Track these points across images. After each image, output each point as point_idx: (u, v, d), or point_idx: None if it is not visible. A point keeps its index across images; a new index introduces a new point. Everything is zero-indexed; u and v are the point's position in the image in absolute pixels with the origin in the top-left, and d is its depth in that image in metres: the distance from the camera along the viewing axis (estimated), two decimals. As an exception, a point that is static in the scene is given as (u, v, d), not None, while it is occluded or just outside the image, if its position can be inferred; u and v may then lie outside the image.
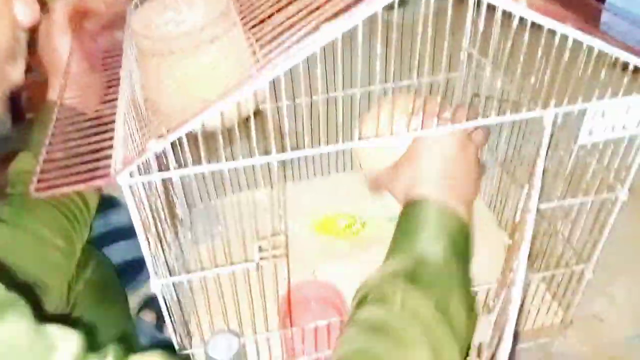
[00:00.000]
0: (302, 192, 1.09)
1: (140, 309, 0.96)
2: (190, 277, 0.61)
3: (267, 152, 0.56)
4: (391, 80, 0.87)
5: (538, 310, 0.84)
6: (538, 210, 0.73)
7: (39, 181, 0.48)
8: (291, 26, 0.51)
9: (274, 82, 0.51)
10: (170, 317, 0.62)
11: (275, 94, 0.59)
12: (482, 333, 0.66)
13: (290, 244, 0.88)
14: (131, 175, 0.49)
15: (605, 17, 0.65)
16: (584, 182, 0.69)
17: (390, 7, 0.48)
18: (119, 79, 0.63)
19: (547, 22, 0.50)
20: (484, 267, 0.80)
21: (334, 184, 1.11)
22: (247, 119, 0.58)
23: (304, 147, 0.56)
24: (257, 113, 0.64)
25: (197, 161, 0.54)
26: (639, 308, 0.99)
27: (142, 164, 0.51)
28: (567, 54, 0.53)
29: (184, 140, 0.52)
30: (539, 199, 0.63)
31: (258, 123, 0.57)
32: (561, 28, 0.50)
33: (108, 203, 1.13)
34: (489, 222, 1.02)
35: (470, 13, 0.86)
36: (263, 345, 0.73)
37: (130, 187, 0.50)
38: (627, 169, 0.66)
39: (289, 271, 0.62)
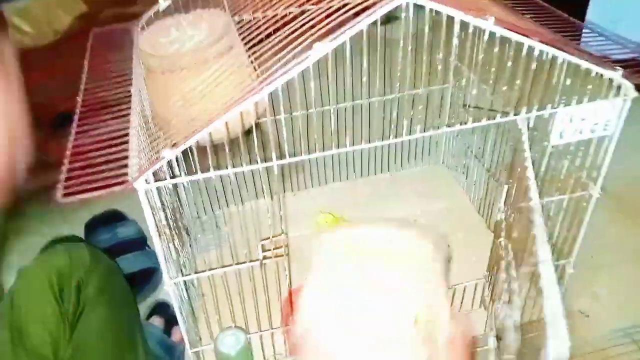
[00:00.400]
0: (300, 201, 1.15)
1: (149, 315, 1.00)
2: (199, 276, 0.66)
3: (267, 161, 0.62)
4: (376, 94, 0.93)
5: (524, 305, 0.89)
6: (518, 208, 0.79)
7: (65, 188, 0.54)
8: (288, 44, 0.57)
9: (272, 97, 0.57)
10: (181, 315, 0.67)
11: (274, 108, 0.65)
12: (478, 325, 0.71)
13: (292, 249, 0.93)
14: (147, 181, 0.55)
15: (585, 35, 0.72)
16: (559, 181, 0.75)
17: (381, 23, 0.54)
18: (130, 95, 0.69)
19: (514, 36, 0.56)
20: (473, 266, 0.86)
21: (329, 192, 1.17)
22: (249, 131, 0.64)
23: (301, 154, 0.62)
24: (257, 126, 0.70)
25: (204, 170, 0.60)
26: (623, 304, 1.04)
27: (156, 171, 0.56)
28: (534, 64, 0.59)
29: (194, 150, 0.58)
30: (518, 198, 0.68)
31: (258, 135, 0.63)
32: (527, 41, 0.57)
33: (115, 217, 1.19)
34: (478, 225, 1.08)
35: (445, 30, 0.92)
36: (267, 341, 0.78)
37: (146, 192, 0.56)
38: (598, 168, 0.72)
39: (289, 268, 0.68)
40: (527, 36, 0.56)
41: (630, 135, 0.72)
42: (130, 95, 0.71)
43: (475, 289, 0.83)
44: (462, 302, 0.84)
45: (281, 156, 0.61)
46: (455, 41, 0.94)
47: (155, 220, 0.58)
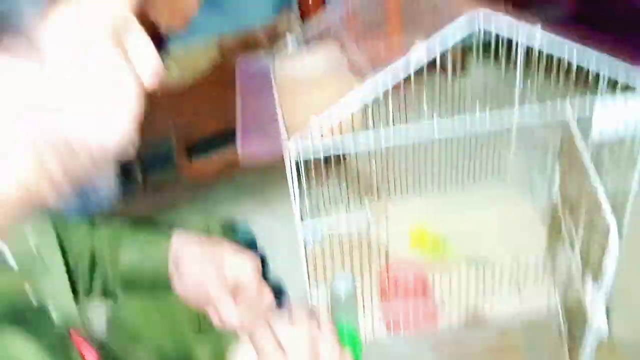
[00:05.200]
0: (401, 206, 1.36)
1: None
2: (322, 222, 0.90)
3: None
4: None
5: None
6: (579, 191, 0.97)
7: (242, 150, 0.80)
8: (391, 55, 0.82)
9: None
10: (305, 256, 0.90)
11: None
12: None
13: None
14: (296, 142, 0.80)
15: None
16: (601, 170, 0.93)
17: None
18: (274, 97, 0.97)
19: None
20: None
21: (413, 203, 1.38)
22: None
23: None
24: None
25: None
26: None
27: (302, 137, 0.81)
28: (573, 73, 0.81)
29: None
30: (572, 181, 0.88)
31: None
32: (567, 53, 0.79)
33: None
34: (541, 231, 1.25)
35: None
36: (367, 290, 0.99)
37: (297, 149, 0.80)
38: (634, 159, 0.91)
39: (387, 228, 0.90)
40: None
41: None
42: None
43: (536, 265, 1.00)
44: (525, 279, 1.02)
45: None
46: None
47: (298, 174, 0.82)
